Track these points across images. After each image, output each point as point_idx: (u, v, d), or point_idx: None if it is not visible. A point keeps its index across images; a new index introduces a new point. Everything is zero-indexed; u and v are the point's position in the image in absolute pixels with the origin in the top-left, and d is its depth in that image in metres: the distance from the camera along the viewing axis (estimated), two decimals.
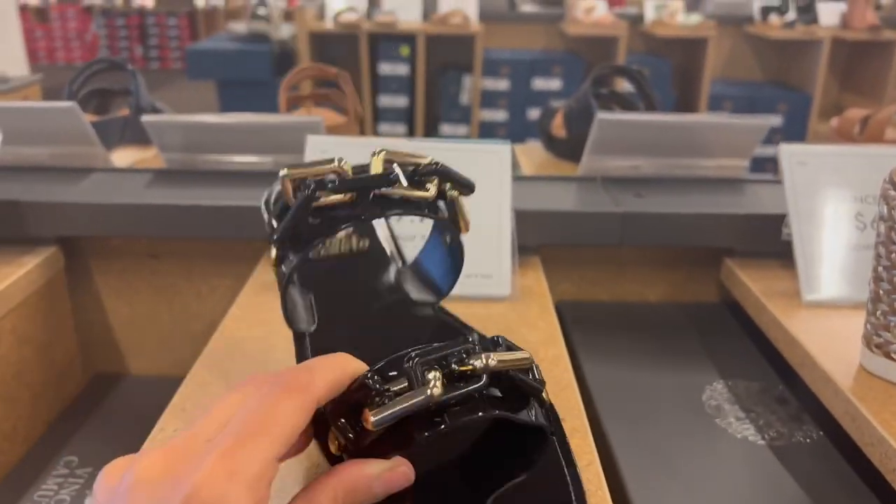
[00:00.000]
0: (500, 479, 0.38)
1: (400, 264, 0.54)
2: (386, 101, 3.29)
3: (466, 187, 0.44)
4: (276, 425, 0.27)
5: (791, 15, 3.27)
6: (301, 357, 0.46)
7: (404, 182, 0.41)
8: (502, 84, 3.30)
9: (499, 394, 0.36)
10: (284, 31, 3.32)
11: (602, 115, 0.79)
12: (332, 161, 0.41)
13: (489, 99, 3.30)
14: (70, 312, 0.78)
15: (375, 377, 0.38)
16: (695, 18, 3.27)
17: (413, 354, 0.38)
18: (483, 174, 0.67)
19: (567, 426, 0.46)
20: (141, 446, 0.72)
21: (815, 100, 3.18)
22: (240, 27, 3.37)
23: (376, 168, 0.42)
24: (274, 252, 0.43)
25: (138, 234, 0.74)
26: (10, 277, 0.66)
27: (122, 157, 0.97)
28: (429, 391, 0.33)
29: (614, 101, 1.10)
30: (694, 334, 0.71)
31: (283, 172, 0.42)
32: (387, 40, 3.22)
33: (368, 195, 0.41)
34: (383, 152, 0.42)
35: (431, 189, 0.42)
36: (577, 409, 0.48)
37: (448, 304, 0.54)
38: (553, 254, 0.75)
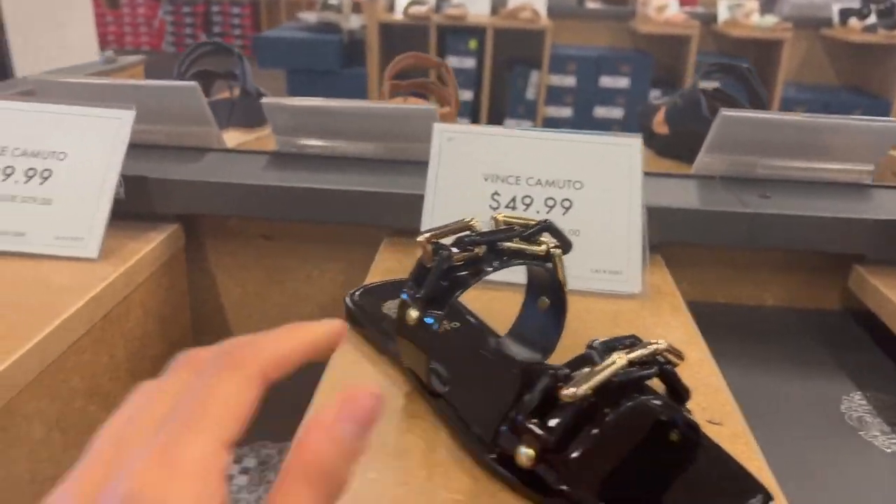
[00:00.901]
0: (665, 475, 0.39)
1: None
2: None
3: (567, 245, 0.47)
4: (219, 407, 0.24)
5: (872, 19, 3.16)
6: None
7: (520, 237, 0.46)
8: (569, 80, 3.27)
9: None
10: (354, 21, 3.33)
11: (726, 112, 0.77)
12: (464, 222, 0.46)
13: (555, 95, 3.27)
14: (186, 290, 0.79)
15: (559, 371, 0.38)
16: (770, 19, 3.18)
17: (594, 343, 0.39)
18: (612, 167, 0.66)
19: (727, 431, 0.45)
20: (250, 421, 0.73)
21: (895, 106, 3.08)
22: (310, 17, 3.40)
23: (498, 225, 0.47)
24: (416, 314, 0.43)
25: (255, 214, 0.75)
26: (140, 252, 0.67)
27: (229, 139, 0.98)
28: (616, 361, 0.38)
29: (718, 99, 1.07)
30: (820, 342, 0.69)
31: (421, 238, 0.44)
32: (455, 33, 3.21)
33: (493, 250, 0.45)
34: (503, 214, 0.48)
35: (543, 245, 0.46)
36: (736, 414, 0.47)
37: (575, 300, 0.53)
38: (668, 253, 0.73)
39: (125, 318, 0.65)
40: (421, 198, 0.70)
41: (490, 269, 0.44)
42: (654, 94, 3.27)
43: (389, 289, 0.59)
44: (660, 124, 1.07)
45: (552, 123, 3.29)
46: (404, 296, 0.45)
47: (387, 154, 0.83)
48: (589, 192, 0.65)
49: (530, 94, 3.28)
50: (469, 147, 0.67)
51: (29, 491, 0.53)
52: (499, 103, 3.34)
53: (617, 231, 0.64)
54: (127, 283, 0.64)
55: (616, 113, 3.27)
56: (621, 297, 0.62)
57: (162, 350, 0.74)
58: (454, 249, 0.44)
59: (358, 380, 0.49)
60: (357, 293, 0.58)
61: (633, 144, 0.66)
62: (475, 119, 3.27)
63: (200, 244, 0.80)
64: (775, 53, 3.16)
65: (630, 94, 3.25)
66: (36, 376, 0.52)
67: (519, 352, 0.50)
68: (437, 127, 0.67)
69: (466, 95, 3.28)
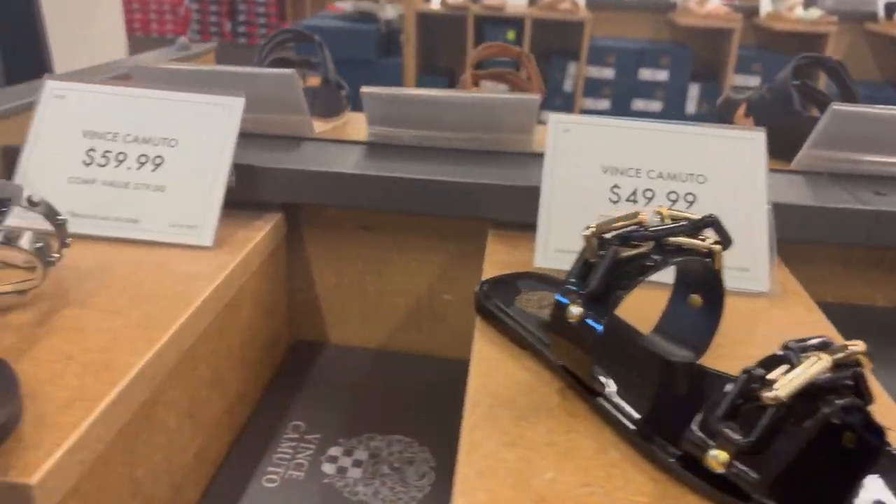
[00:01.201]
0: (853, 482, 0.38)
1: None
2: (488, 85, 3.25)
3: (728, 241, 0.46)
4: None
5: None
6: None
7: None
8: (607, 73, 3.24)
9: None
10: (390, 11, 3.32)
11: (838, 107, 0.76)
12: (634, 216, 0.44)
13: (593, 87, 3.24)
14: (285, 279, 0.79)
15: (754, 372, 0.37)
16: (814, 13, 3.13)
17: (789, 344, 0.38)
18: (736, 161, 0.64)
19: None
20: (355, 414, 0.73)
21: None
22: (346, 5, 3.39)
23: (664, 219, 0.45)
24: (578, 311, 0.42)
25: (356, 204, 0.74)
26: (252, 241, 0.66)
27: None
28: (818, 362, 0.37)
29: (805, 94, 1.05)
30: None
31: (587, 231, 0.44)
32: (493, 24, 3.19)
33: (659, 246, 0.43)
34: (667, 208, 0.46)
35: (707, 240, 0.45)
36: None
37: None
38: (783, 250, 0.72)
39: (240, 308, 0.65)
40: (524, 189, 0.69)
41: (653, 265, 0.43)
42: (694, 88, 3.23)
43: (517, 282, 0.58)
44: (742, 118, 1.05)
45: None
46: (561, 297, 0.44)
47: (484, 145, 0.82)
48: (713, 186, 0.63)
49: (568, 85, 3.25)
50: (586, 138, 0.66)
51: (167, 481, 0.53)
52: None
53: (742, 227, 0.62)
54: (242, 273, 0.64)
55: (654, 106, 3.23)
56: (749, 295, 0.61)
57: (267, 339, 0.74)
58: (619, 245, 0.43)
59: (503, 377, 0.48)
60: (486, 286, 0.57)
61: (757, 138, 0.65)
62: None
63: (299, 233, 0.79)
64: (818, 47, 3.10)
65: (669, 88, 3.22)
66: (174, 365, 0.51)
67: (672, 350, 0.49)
68: (553, 117, 0.66)
69: (503, 87, 3.25)
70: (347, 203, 0.74)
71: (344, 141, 0.83)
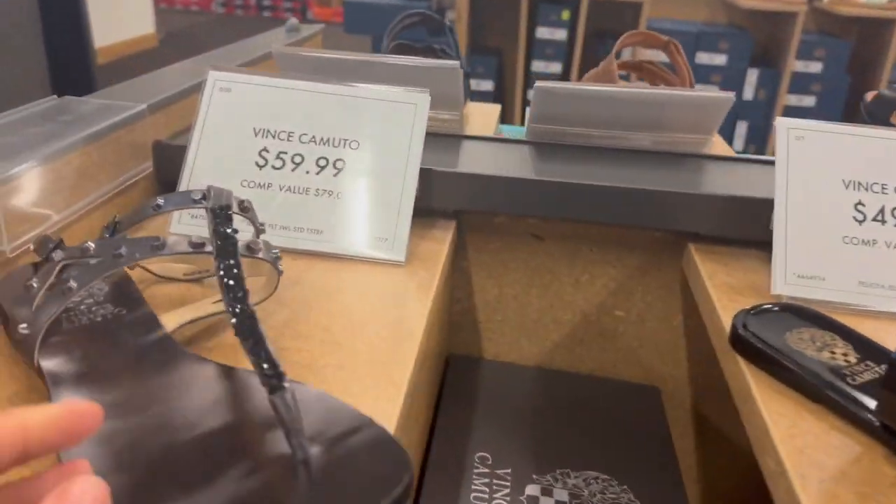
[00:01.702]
0: None
1: None
2: (539, 66, 3.17)
3: None
4: None
5: None
6: None
7: None
8: (663, 56, 3.12)
9: None
10: None
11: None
12: None
13: None
14: (448, 288, 0.72)
15: None
16: None
17: None
18: None
19: None
20: (539, 444, 0.66)
21: None
22: None
23: None
24: None
25: (532, 212, 0.67)
26: (441, 256, 0.60)
27: None
28: None
29: None
30: None
31: None
32: (547, 3, 3.09)
33: None
34: None
35: None
36: None
37: None
38: None
39: (432, 328, 0.58)
40: (730, 200, 0.62)
41: None
42: (752, 74, 3.13)
43: (773, 314, 0.51)
44: None
45: None
46: None
47: (658, 145, 0.75)
48: None
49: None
50: (823, 147, 0.58)
51: None
52: None
53: None
54: (441, 292, 0.57)
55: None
56: None
57: (437, 358, 0.68)
58: None
59: (814, 439, 0.42)
60: (744, 318, 0.50)
61: None
62: None
63: (463, 241, 0.72)
64: (885, 33, 3.00)
65: (727, 72, 3.12)
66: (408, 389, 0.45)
67: None
68: (784, 123, 0.59)
69: (554, 68, 3.17)
70: (523, 211, 0.67)
71: (503, 140, 0.76)
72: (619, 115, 0.74)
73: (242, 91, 0.62)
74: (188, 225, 0.59)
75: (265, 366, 0.32)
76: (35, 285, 0.37)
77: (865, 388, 0.43)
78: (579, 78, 3.09)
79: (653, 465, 0.65)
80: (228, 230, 0.38)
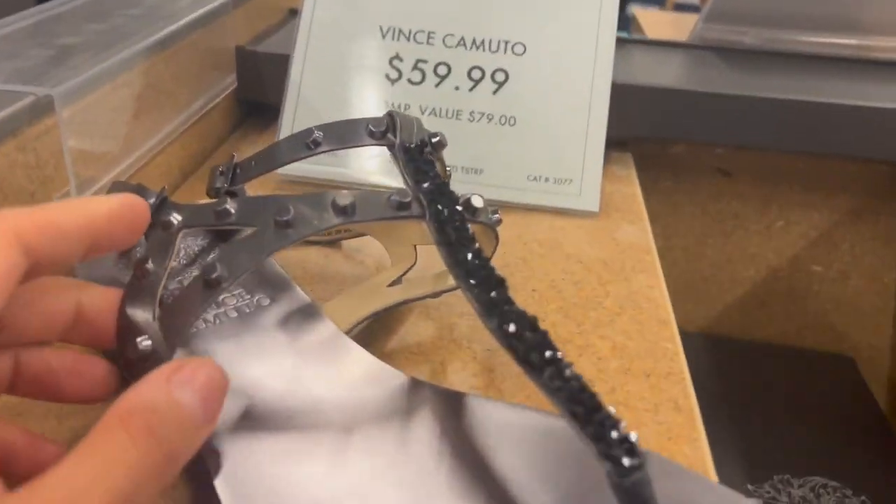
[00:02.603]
0: None
1: None
2: None
3: None
4: None
5: None
6: None
7: None
8: None
9: None
10: None
11: None
12: None
13: None
14: None
15: None
16: None
17: None
18: None
19: None
20: (747, 440, 0.53)
21: None
22: None
23: None
24: None
25: (717, 139, 0.51)
26: (636, 201, 0.44)
27: None
28: None
29: None
30: None
31: None
32: None
33: None
34: None
35: None
36: None
37: None
38: None
39: None
40: None
41: None
42: None
43: None
44: None
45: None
46: None
47: (859, 51, 0.59)
48: None
49: None
50: None
51: None
52: None
53: None
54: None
55: None
56: None
57: None
58: None
59: None
60: None
61: None
62: None
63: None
64: None
65: None
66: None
67: None
68: None
69: None
70: (712, 137, 0.51)
71: (667, 43, 0.60)
72: (813, 13, 0.57)
73: None
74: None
75: (612, 433, 0.17)
76: (151, 269, 0.22)
77: None
78: None
79: (878, 461, 0.51)
80: (448, 194, 0.23)
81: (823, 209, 0.56)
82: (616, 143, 0.51)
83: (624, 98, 0.46)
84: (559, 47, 0.44)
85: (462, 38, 0.44)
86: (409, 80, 0.44)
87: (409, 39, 0.44)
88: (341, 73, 0.44)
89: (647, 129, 0.50)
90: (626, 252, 0.38)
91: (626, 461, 0.17)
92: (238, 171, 0.29)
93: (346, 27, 0.44)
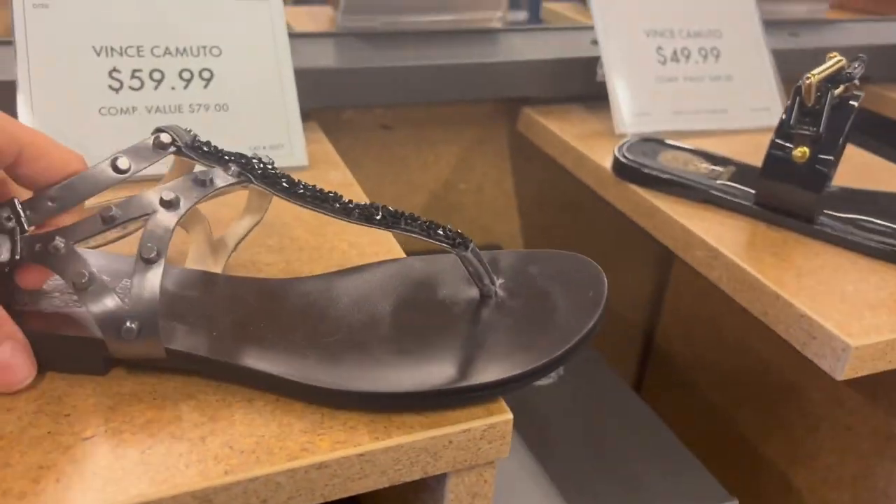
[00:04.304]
0: None
1: None
2: None
3: None
4: None
5: None
6: None
7: None
8: None
9: None
10: None
11: None
12: (838, 61, 0.50)
13: None
14: None
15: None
16: None
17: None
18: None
19: None
20: None
21: None
22: None
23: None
24: (807, 151, 0.48)
25: (379, 101, 0.69)
26: (334, 156, 0.59)
27: None
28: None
29: None
30: None
31: (810, 79, 0.48)
32: None
33: None
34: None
35: None
36: None
37: None
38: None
39: None
40: (555, 63, 0.70)
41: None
42: None
43: (643, 145, 0.61)
44: None
45: None
46: (783, 139, 0.49)
47: (457, 24, 0.80)
48: None
49: None
50: (626, 5, 0.69)
51: None
52: None
53: None
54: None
55: None
56: None
57: None
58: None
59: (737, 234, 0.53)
60: (621, 152, 0.59)
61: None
62: None
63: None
64: None
65: None
66: None
67: None
68: None
69: None
70: (371, 101, 0.68)
71: (321, 34, 0.75)
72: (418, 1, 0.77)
73: (64, 5, 0.52)
74: None
75: (440, 232, 0.34)
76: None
77: (733, 182, 0.56)
78: None
79: None
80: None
81: (460, 142, 0.77)
82: (303, 114, 0.65)
83: (301, 78, 0.60)
84: (246, 46, 0.56)
85: (167, 48, 0.54)
86: (131, 87, 0.52)
87: (121, 54, 0.53)
88: (71, 90, 0.51)
89: (324, 101, 0.65)
90: (339, 189, 0.53)
91: (458, 240, 0.32)
92: (28, 212, 0.32)
93: (61, 51, 0.51)
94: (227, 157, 0.35)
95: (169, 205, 0.32)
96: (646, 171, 0.57)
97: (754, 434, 0.78)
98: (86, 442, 0.30)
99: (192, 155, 0.35)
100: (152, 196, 0.32)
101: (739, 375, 0.80)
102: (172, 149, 0.34)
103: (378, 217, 0.34)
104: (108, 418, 0.31)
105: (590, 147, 0.64)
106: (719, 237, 0.51)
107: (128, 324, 0.31)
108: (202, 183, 0.34)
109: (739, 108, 0.70)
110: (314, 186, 0.35)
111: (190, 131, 0.36)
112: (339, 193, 0.35)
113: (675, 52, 0.69)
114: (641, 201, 0.57)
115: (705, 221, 0.53)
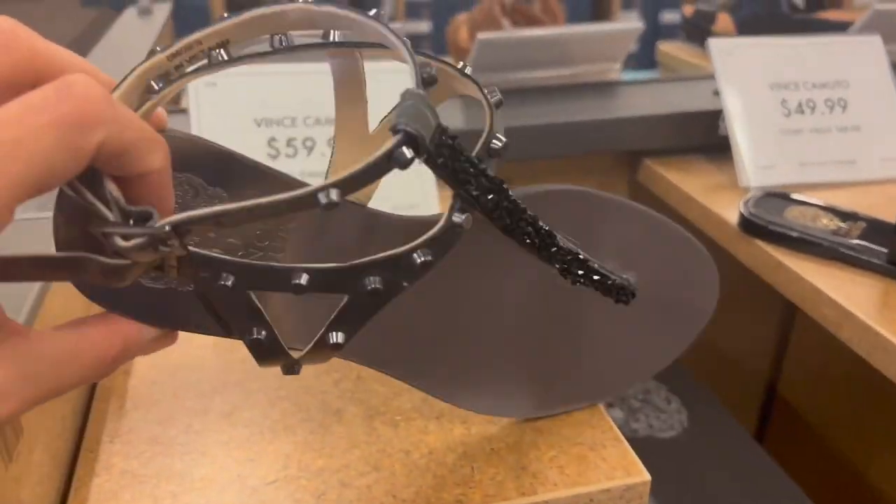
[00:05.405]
0: None
1: None
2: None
3: None
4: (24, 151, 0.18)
5: None
6: None
7: None
8: None
9: None
10: None
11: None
12: None
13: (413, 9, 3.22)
14: None
15: None
16: None
17: None
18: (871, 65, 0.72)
19: None
20: None
21: None
22: None
23: None
24: None
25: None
26: None
27: None
28: None
29: None
30: None
31: None
32: None
33: None
34: None
35: None
36: None
37: None
38: None
39: None
40: (669, 117, 0.72)
41: None
42: None
43: (769, 201, 0.61)
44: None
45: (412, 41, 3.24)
46: None
47: (577, 78, 0.83)
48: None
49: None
50: (749, 59, 0.70)
51: None
52: None
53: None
54: None
55: None
56: None
57: None
58: None
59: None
60: (746, 207, 0.60)
61: None
62: None
63: None
64: None
65: None
66: None
67: None
68: (715, 43, 0.69)
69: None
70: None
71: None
72: (546, 56, 0.81)
73: (230, 84, 0.59)
74: None
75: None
76: None
77: (864, 239, 0.55)
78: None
79: None
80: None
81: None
82: None
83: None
84: None
85: (317, 118, 0.60)
86: (286, 155, 0.59)
87: (278, 125, 0.59)
88: None
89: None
90: None
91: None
92: None
93: (227, 120, 0.58)
94: None
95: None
96: (773, 227, 0.58)
97: (889, 487, 0.75)
98: (268, 486, 0.34)
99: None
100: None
101: (871, 426, 0.77)
102: None
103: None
104: (285, 465, 0.35)
105: (713, 201, 0.65)
106: (849, 296, 0.51)
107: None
108: None
109: (868, 159, 0.69)
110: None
111: None
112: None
113: (799, 104, 0.69)
114: (768, 258, 0.57)
115: (835, 279, 0.53)
